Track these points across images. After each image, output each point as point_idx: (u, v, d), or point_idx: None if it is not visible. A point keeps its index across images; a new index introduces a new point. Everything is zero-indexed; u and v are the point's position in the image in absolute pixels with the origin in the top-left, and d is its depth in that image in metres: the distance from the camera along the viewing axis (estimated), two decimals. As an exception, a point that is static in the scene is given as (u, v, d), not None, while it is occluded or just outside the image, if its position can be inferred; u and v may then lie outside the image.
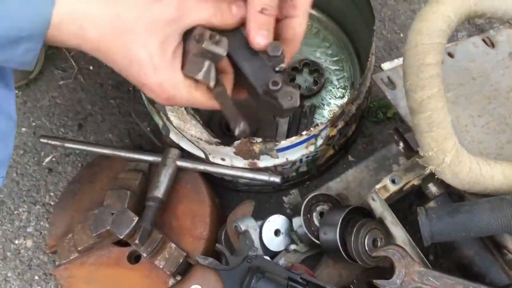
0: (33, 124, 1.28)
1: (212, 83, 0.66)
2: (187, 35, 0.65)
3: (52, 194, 1.22)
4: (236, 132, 0.66)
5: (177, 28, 0.63)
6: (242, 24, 0.67)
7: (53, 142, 1.05)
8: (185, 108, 0.95)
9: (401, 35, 1.27)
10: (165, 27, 0.62)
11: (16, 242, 1.19)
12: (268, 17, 0.65)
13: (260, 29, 0.65)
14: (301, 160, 1.02)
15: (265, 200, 1.16)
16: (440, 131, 0.71)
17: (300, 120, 1.16)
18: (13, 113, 0.74)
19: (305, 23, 0.69)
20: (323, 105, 1.19)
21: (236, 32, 0.68)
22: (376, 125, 1.20)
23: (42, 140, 1.06)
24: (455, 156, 0.72)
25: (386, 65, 0.89)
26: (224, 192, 1.18)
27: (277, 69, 0.67)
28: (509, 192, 0.74)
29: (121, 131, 1.25)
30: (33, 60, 0.63)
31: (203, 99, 0.69)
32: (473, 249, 0.83)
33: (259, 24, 0.65)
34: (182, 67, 0.65)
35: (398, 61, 0.90)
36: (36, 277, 1.15)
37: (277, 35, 0.69)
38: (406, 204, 1.05)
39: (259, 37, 0.65)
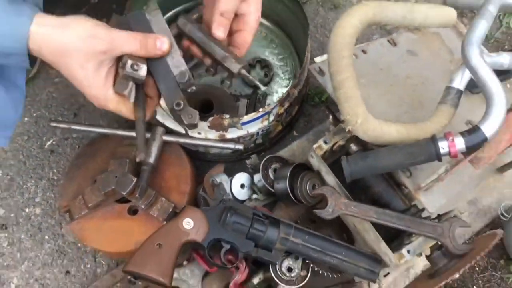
0: (34, 114, 1.53)
1: (132, 98, 0.97)
2: (120, 59, 0.93)
3: (55, 170, 1.48)
4: (137, 159, 1.05)
5: (108, 57, 0.90)
6: (166, 54, 0.97)
7: (62, 125, 1.32)
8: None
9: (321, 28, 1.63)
10: (98, 56, 0.88)
11: (27, 210, 1.44)
12: (226, 19, 0.99)
13: (219, 26, 0.99)
14: (258, 133, 1.34)
15: (231, 167, 1.48)
16: (353, 101, 1.05)
17: (255, 105, 1.49)
18: (22, 85, 1.04)
19: (251, 36, 1.05)
20: (273, 93, 1.52)
21: (162, 60, 0.97)
22: (314, 108, 1.54)
23: (52, 124, 1.32)
24: (364, 119, 1.06)
25: (318, 59, 1.22)
26: (198, 163, 1.48)
27: (188, 90, 1.00)
28: (400, 143, 1.09)
29: (110, 118, 1.53)
30: (28, 64, 0.93)
31: (127, 113, 1.00)
32: (381, 186, 1.18)
33: (219, 22, 1.00)
34: (114, 84, 0.94)
35: (326, 56, 1.24)
36: (46, 237, 1.42)
37: (233, 41, 1.04)
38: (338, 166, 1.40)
39: (218, 31, 1.00)
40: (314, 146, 1.21)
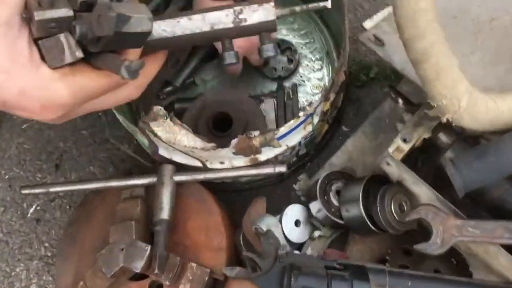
0: (6, 177, 1.18)
1: (78, 53, 0.50)
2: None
3: (47, 244, 1.13)
4: (125, 73, 0.48)
5: (9, 7, 0.46)
6: None
7: (36, 191, 0.97)
8: (171, 119, 0.88)
9: (363, -8, 1.23)
10: None
11: (22, 304, 1.10)
12: None
13: None
14: (300, 143, 0.97)
15: (270, 192, 1.11)
16: (450, 76, 0.67)
17: (284, 102, 1.11)
18: None
19: None
20: (304, 81, 1.14)
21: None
22: (361, 89, 1.16)
23: (23, 191, 0.97)
24: (470, 99, 0.69)
25: (367, 24, 0.84)
26: (225, 195, 1.12)
27: None
28: (530, 121, 0.71)
29: (102, 161, 1.17)
30: None
31: (92, 81, 0.52)
32: (502, 188, 0.80)
33: None
34: (42, 59, 0.50)
35: (378, 17, 0.86)
36: (54, 335, 1.08)
37: None
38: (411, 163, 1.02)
39: None
40: (390, 149, 0.83)
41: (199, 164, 0.94)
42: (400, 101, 0.88)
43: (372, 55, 1.17)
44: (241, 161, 0.92)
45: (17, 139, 1.21)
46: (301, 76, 1.15)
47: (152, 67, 0.63)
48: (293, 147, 0.95)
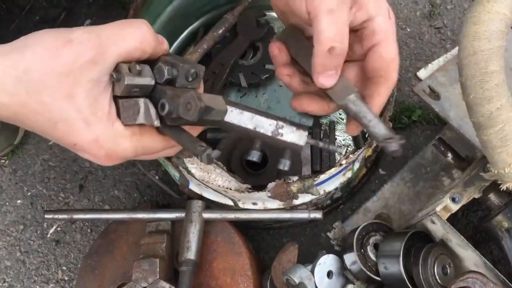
0: (28, 193, 1.15)
1: (156, 122, 0.57)
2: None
3: (64, 268, 1.10)
4: (205, 160, 0.55)
5: (102, 69, 0.54)
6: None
7: (59, 216, 0.93)
8: (206, 157, 0.84)
9: (408, 29, 1.18)
10: (85, 72, 0.53)
11: (35, 329, 1.07)
12: (336, 57, 0.56)
13: (326, 70, 0.57)
14: (336, 188, 0.92)
15: (300, 233, 1.07)
16: (515, 145, 0.62)
17: (321, 139, 1.06)
18: None
19: (394, 49, 0.59)
20: (342, 119, 1.10)
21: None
22: (402, 131, 1.11)
23: (46, 216, 0.94)
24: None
25: (422, 73, 0.80)
26: (253, 232, 1.08)
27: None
28: None
29: (128, 185, 1.14)
30: None
31: (155, 144, 0.60)
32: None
33: (325, 65, 0.56)
34: (118, 115, 0.57)
35: (433, 66, 0.81)
36: None
37: (365, 72, 0.62)
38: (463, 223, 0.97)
39: (324, 79, 0.57)
40: (438, 208, 0.78)
41: (230, 203, 0.90)
42: (450, 155, 0.82)
43: (416, 96, 1.12)
44: (275, 203, 0.88)
45: (42, 155, 1.18)
46: (339, 113, 1.10)
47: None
48: (329, 193, 0.91)
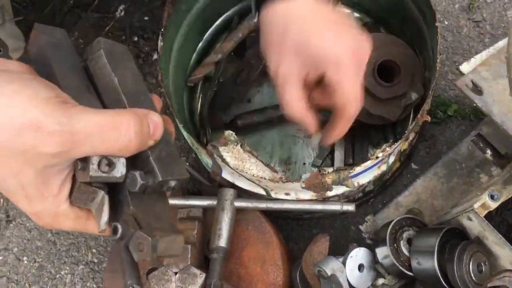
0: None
1: (102, 227, 0.50)
2: None
3: (94, 250, 1.11)
4: None
5: (62, 162, 0.47)
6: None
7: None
8: (241, 145, 0.84)
9: (446, 22, 1.16)
10: (43, 159, 0.46)
11: (64, 309, 1.08)
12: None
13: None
14: (369, 181, 0.91)
15: (330, 225, 1.06)
16: None
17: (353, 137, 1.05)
18: None
19: (353, 92, 0.68)
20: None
21: None
22: (436, 126, 1.09)
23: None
24: None
25: (465, 67, 0.78)
26: (282, 222, 1.07)
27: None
28: None
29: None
30: None
31: (97, 231, 0.53)
32: None
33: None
34: (70, 194, 0.51)
35: (475, 60, 0.79)
36: None
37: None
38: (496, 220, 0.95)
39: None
40: (475, 205, 0.77)
41: (263, 192, 0.90)
42: (489, 152, 0.81)
43: (452, 91, 1.10)
44: (307, 194, 0.88)
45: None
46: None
47: None
48: (362, 185, 0.90)
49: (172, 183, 0.51)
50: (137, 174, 0.49)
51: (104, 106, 0.52)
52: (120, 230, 0.49)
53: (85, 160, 0.48)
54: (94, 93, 0.53)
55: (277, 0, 0.69)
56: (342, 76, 0.66)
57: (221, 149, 0.83)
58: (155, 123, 0.50)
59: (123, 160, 0.49)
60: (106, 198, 0.50)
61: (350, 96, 0.67)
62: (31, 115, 0.44)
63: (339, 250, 0.90)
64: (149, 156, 0.50)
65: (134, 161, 0.50)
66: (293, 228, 1.06)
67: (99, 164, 0.48)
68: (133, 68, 0.54)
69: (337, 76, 0.66)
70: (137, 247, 0.48)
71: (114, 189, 0.51)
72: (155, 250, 0.48)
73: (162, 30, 0.90)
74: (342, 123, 0.70)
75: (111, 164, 0.48)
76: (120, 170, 0.49)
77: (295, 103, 0.69)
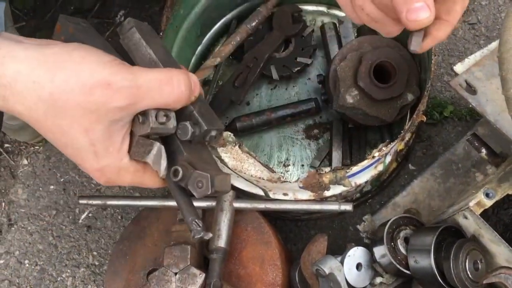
0: (61, 180, 1.18)
1: (162, 172, 0.57)
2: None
3: (95, 253, 1.12)
4: (194, 237, 0.59)
5: (128, 114, 0.54)
6: None
7: (93, 202, 0.96)
8: (239, 146, 0.85)
9: (441, 25, 1.17)
10: (112, 114, 0.52)
11: (65, 311, 1.09)
12: None
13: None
14: (367, 181, 0.92)
15: (328, 225, 1.07)
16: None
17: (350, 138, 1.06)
18: None
19: (450, 31, 0.60)
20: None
21: None
22: (433, 127, 1.10)
23: (81, 201, 0.96)
24: None
25: (458, 68, 0.79)
26: (281, 223, 1.08)
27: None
28: None
29: (158, 174, 1.15)
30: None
31: (153, 184, 0.61)
32: None
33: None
34: (129, 149, 0.57)
35: (469, 61, 0.81)
36: None
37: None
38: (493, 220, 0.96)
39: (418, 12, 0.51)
40: (471, 203, 0.78)
41: (261, 193, 0.91)
42: (484, 151, 0.82)
43: (448, 92, 1.11)
44: (305, 194, 0.89)
45: (75, 143, 1.20)
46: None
47: None
48: (359, 185, 0.91)
49: (214, 133, 0.60)
50: (187, 124, 0.57)
51: None
52: (180, 172, 0.56)
53: (144, 114, 0.55)
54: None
55: None
56: None
57: (219, 150, 0.84)
58: (194, 81, 0.58)
59: (173, 114, 0.57)
60: (163, 147, 0.57)
61: None
62: (100, 76, 0.51)
63: (337, 250, 0.91)
64: (193, 110, 0.58)
65: (180, 116, 0.58)
66: (291, 230, 1.07)
67: (156, 117, 0.55)
68: (160, 42, 0.63)
69: None
70: (197, 185, 0.55)
71: (165, 142, 0.58)
72: (213, 185, 0.55)
73: (161, 34, 0.92)
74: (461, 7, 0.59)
75: (167, 116, 0.56)
76: (173, 122, 0.57)
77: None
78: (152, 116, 0.55)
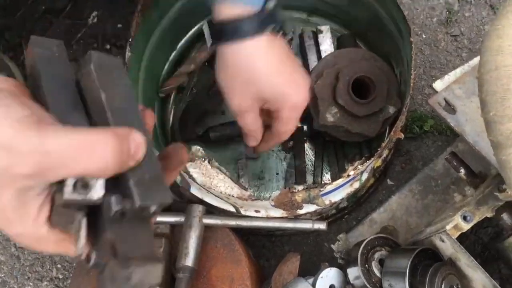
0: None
1: (79, 251, 0.47)
2: None
3: (59, 266, 1.07)
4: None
5: (38, 184, 0.46)
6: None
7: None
8: (209, 161, 0.81)
9: (423, 36, 1.15)
10: (18, 181, 0.45)
11: (26, 327, 1.04)
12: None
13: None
14: (342, 198, 0.89)
15: (302, 242, 1.04)
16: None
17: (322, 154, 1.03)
18: None
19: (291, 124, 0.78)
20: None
21: None
22: (412, 141, 1.07)
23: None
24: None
25: (438, 85, 0.76)
26: (254, 238, 1.05)
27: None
28: None
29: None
30: None
31: (72, 252, 0.52)
32: None
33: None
34: (50, 216, 0.48)
35: (449, 77, 0.78)
36: None
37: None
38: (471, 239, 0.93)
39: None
40: (448, 227, 0.75)
41: (232, 209, 0.87)
42: (462, 170, 0.79)
43: (428, 105, 1.08)
44: (278, 211, 0.85)
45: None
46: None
47: None
48: (335, 203, 0.87)
49: (153, 208, 0.47)
50: (112, 198, 0.45)
51: (93, 124, 0.49)
52: (93, 259, 0.46)
53: (61, 182, 0.45)
54: (83, 111, 0.50)
55: (231, 39, 0.73)
56: (292, 114, 0.76)
57: (188, 164, 0.80)
58: (137, 143, 0.47)
59: (101, 182, 0.45)
60: (84, 221, 0.47)
61: (290, 129, 0.79)
62: (3, 136, 0.42)
63: (311, 268, 0.88)
64: (129, 179, 0.46)
65: (116, 183, 0.46)
66: (264, 245, 1.04)
67: (74, 186, 0.45)
68: (124, 84, 0.52)
69: (289, 113, 0.76)
70: (111, 278, 0.45)
71: (94, 212, 0.47)
72: (129, 280, 0.45)
73: (130, 40, 0.87)
74: (274, 142, 0.83)
75: (86, 186, 0.45)
76: (97, 192, 0.45)
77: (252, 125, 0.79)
78: (67, 186, 0.45)
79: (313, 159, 1.01)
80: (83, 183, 0.44)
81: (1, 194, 0.45)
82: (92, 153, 0.44)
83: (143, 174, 0.47)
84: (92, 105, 0.50)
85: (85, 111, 0.50)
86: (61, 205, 0.46)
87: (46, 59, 0.51)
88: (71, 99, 0.50)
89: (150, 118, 0.54)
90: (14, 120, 0.43)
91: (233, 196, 0.80)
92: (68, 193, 0.44)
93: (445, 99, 0.74)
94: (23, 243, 0.50)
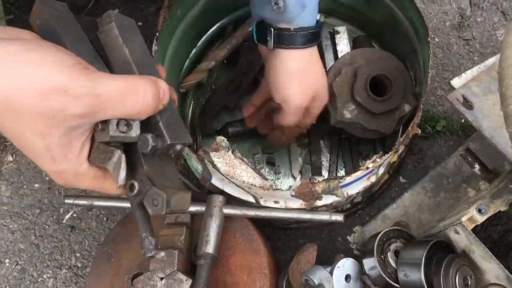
0: (47, 178, 1.15)
1: (120, 183, 0.54)
2: None
3: (78, 254, 1.10)
4: (143, 252, 0.58)
5: (86, 122, 0.51)
6: None
7: (79, 202, 0.94)
8: (233, 152, 0.84)
9: (436, 39, 1.18)
10: (68, 121, 0.49)
11: (45, 313, 1.06)
12: None
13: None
14: (358, 192, 0.92)
15: (316, 235, 1.06)
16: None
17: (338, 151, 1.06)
18: None
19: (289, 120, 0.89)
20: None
21: None
22: (425, 141, 1.10)
23: (66, 201, 0.94)
24: None
25: (456, 82, 0.79)
26: (270, 230, 1.07)
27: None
28: None
29: (146, 176, 1.14)
30: None
31: (112, 191, 0.58)
32: None
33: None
34: (89, 154, 0.54)
35: (466, 75, 0.81)
36: None
37: None
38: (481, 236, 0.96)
39: None
40: (463, 219, 0.77)
41: (252, 200, 0.90)
42: (477, 166, 0.82)
43: (441, 106, 1.11)
44: (296, 203, 0.88)
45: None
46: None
47: None
48: (351, 196, 0.90)
49: (178, 147, 0.57)
50: (148, 136, 0.54)
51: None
52: (136, 187, 0.53)
53: (105, 122, 0.52)
54: (103, 63, 0.56)
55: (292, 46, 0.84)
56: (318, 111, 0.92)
57: (212, 154, 0.82)
58: (163, 89, 0.55)
59: (137, 123, 0.53)
60: (123, 156, 0.54)
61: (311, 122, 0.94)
62: (57, 80, 0.47)
63: (326, 261, 0.90)
64: (159, 121, 0.55)
65: (146, 126, 0.54)
66: (280, 238, 1.06)
67: (117, 125, 0.52)
68: (141, 40, 0.58)
69: (318, 111, 0.91)
70: (152, 203, 0.53)
71: (128, 151, 0.55)
72: (168, 205, 0.53)
73: (157, 34, 0.90)
74: (294, 133, 0.97)
75: (128, 125, 0.53)
76: (135, 131, 0.53)
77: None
78: (112, 124, 0.52)
79: (328, 155, 1.04)
80: (125, 123, 0.52)
81: (50, 133, 0.49)
82: (137, 95, 0.51)
83: (168, 118, 0.56)
84: (115, 59, 0.56)
85: (106, 65, 0.57)
86: (103, 142, 0.53)
87: (57, 17, 0.56)
88: (90, 52, 0.56)
89: (163, 72, 0.61)
90: (66, 66, 0.48)
91: (255, 186, 0.82)
92: (113, 130, 0.51)
93: (463, 96, 0.77)
94: (64, 180, 0.55)
